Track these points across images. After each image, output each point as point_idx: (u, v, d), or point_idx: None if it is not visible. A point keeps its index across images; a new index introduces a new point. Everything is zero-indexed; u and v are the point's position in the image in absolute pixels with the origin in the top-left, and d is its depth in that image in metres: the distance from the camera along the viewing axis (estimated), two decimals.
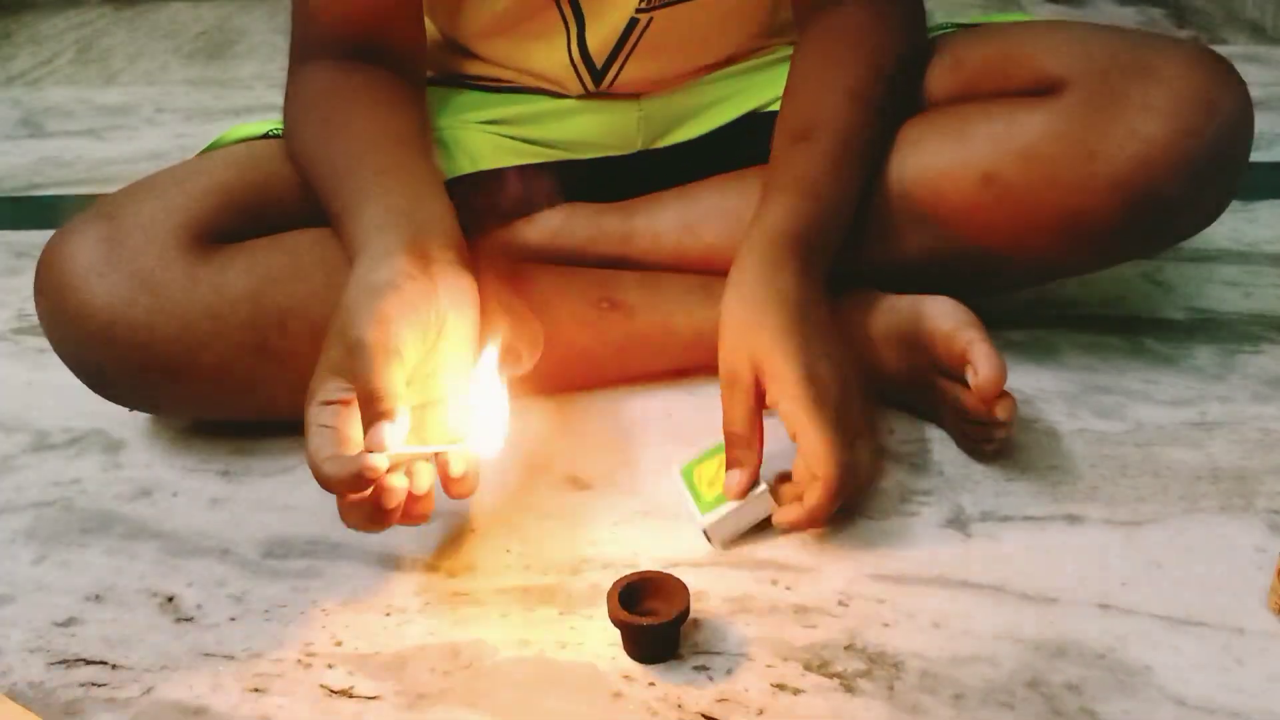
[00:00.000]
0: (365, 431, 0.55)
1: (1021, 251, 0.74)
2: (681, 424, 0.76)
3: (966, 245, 0.74)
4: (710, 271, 0.81)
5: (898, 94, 0.76)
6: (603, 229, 0.83)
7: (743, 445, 0.63)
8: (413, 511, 0.59)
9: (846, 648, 0.57)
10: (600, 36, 0.79)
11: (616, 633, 0.58)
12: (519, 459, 0.72)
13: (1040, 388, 0.78)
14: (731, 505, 0.62)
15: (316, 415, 0.57)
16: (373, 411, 0.55)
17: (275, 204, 0.73)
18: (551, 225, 0.83)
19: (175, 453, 0.76)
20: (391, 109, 0.74)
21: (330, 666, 0.58)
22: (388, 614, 0.61)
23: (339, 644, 0.59)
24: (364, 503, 0.57)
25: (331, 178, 0.70)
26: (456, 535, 0.67)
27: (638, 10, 0.77)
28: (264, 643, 0.59)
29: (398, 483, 0.57)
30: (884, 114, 0.74)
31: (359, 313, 0.59)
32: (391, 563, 0.65)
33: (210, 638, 0.60)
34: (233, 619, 0.61)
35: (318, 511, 0.69)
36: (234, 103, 1.52)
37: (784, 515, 0.62)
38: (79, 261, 0.68)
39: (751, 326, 0.63)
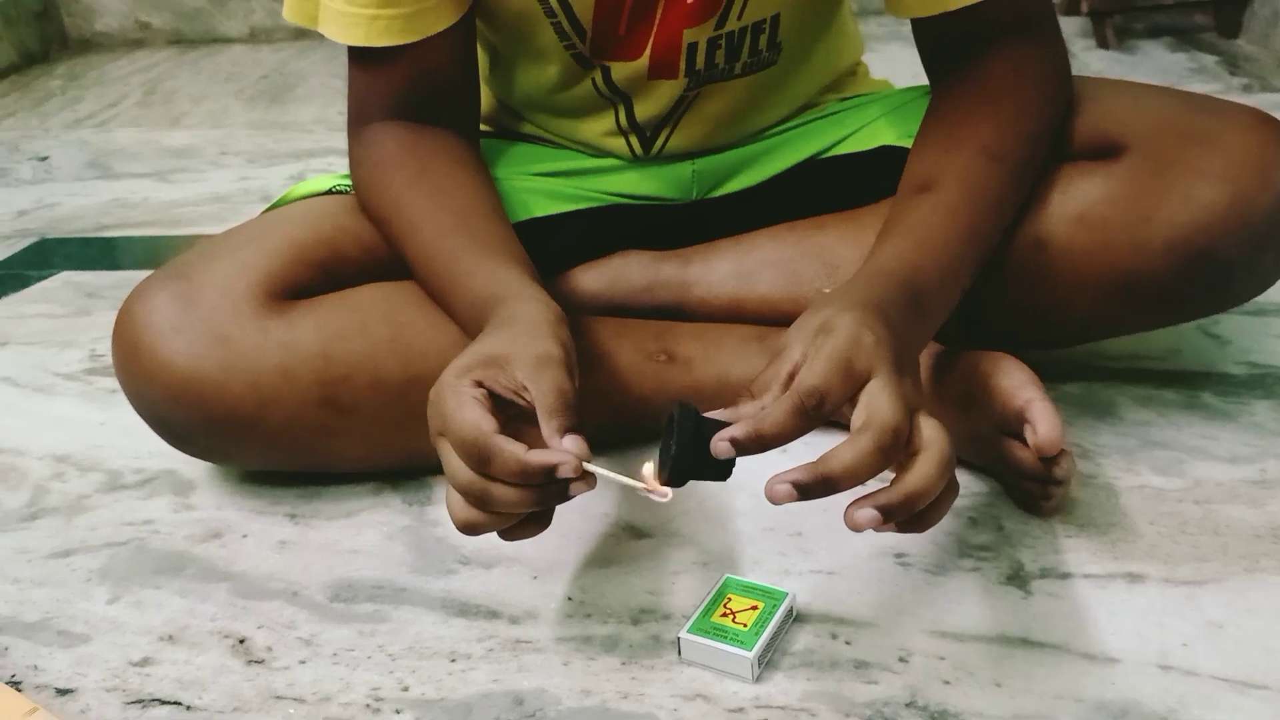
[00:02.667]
0: (549, 434, 0.55)
1: (1076, 312, 0.75)
2: (740, 476, 0.76)
3: (1022, 305, 0.75)
4: (766, 322, 0.82)
5: (1041, 155, 0.71)
6: (659, 277, 0.84)
7: (755, 397, 0.56)
8: (533, 529, 0.58)
9: (908, 705, 0.57)
10: (649, 110, 0.80)
11: (680, 684, 0.59)
12: (576, 506, 0.73)
13: (1097, 443, 0.78)
14: (769, 633, 0.60)
15: (469, 390, 0.56)
16: (564, 419, 0.55)
17: (342, 259, 0.76)
18: (607, 273, 0.85)
19: (244, 495, 0.78)
20: (476, 173, 0.77)
21: (398, 712, 0.59)
22: (453, 660, 0.62)
23: (405, 689, 0.60)
24: (502, 497, 0.54)
25: (437, 237, 0.72)
26: (517, 581, 0.68)
27: (686, 89, 0.79)
28: (333, 686, 0.61)
29: (589, 484, 0.55)
30: (1022, 176, 0.70)
31: (543, 330, 0.60)
32: (455, 608, 0.66)
33: (280, 680, 0.61)
34: (302, 662, 0.63)
35: (383, 556, 0.71)
36: (295, 146, 1.57)
37: (886, 496, 0.51)
38: (154, 319, 0.70)
39: (838, 314, 0.57)
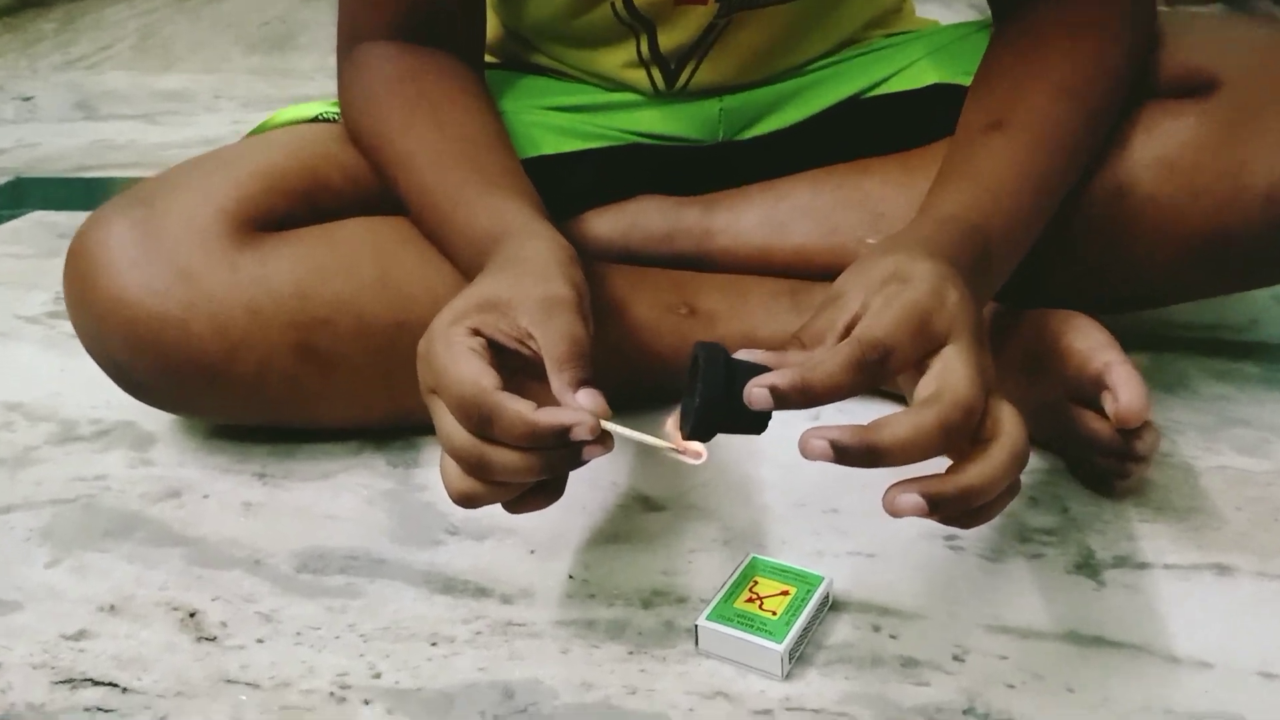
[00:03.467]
0: (560, 388, 0.47)
1: (1155, 270, 0.66)
2: (767, 442, 0.67)
3: (1093, 261, 0.66)
4: (798, 276, 0.73)
5: (1123, 92, 0.63)
6: (680, 224, 0.76)
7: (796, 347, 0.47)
8: (543, 499, 0.50)
9: (965, 712, 0.49)
10: (674, 40, 0.71)
11: (696, 679, 0.50)
12: (583, 476, 0.64)
13: (1171, 419, 0.69)
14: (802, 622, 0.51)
15: (464, 339, 0.48)
16: (578, 370, 0.47)
17: (325, 189, 0.67)
18: (623, 219, 0.76)
19: (209, 451, 0.70)
20: (479, 99, 0.68)
21: (367, 702, 0.50)
22: (433, 644, 0.54)
23: (377, 675, 0.52)
24: (506, 464, 0.46)
25: (434, 168, 0.63)
26: (512, 555, 0.59)
27: (716, 16, 0.69)
28: (293, 670, 0.52)
29: (606, 445, 0.46)
30: (1102, 116, 0.62)
31: (551, 270, 0.52)
32: (439, 583, 0.57)
33: (234, 661, 0.53)
34: (260, 640, 0.54)
35: (361, 522, 0.62)
36: (294, 92, 1.48)
37: (938, 485, 0.43)
38: (111, 250, 0.62)
39: (913, 262, 0.48)
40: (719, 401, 0.44)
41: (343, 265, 0.63)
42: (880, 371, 0.44)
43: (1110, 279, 0.67)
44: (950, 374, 0.44)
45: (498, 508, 0.50)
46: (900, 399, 0.69)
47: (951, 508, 0.43)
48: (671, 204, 0.76)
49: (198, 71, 1.58)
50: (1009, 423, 0.45)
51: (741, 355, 0.46)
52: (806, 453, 0.43)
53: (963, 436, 0.44)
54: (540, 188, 0.65)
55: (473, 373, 0.47)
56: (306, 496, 0.65)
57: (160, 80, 1.54)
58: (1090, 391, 0.58)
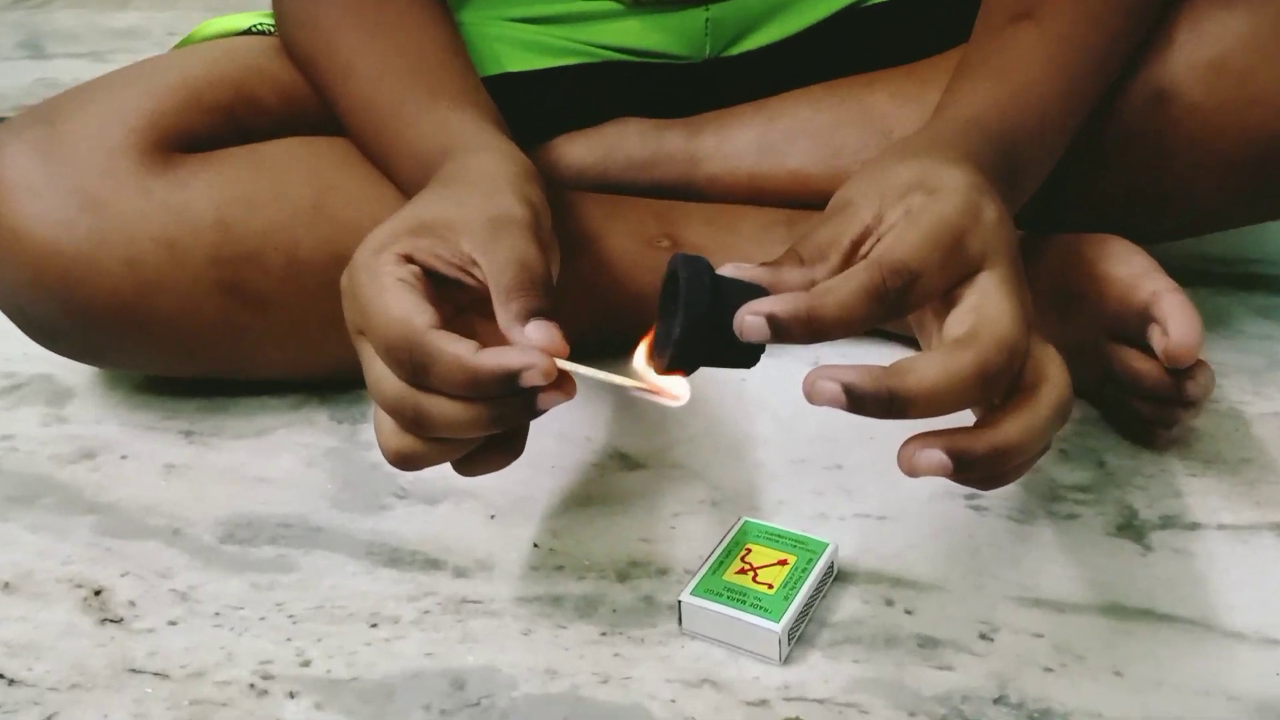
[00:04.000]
0: (508, 321, 0.39)
1: (1197, 192, 0.58)
2: (761, 390, 0.60)
3: (1126, 181, 0.58)
4: (795, 204, 0.65)
5: None
6: (662, 149, 0.68)
7: (792, 263, 0.39)
8: (500, 457, 0.42)
9: (996, 700, 0.41)
10: None
11: (680, 664, 0.43)
12: (551, 428, 0.57)
13: (1216, 360, 0.61)
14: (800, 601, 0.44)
15: (394, 268, 0.40)
16: (529, 300, 0.39)
17: (253, 106, 0.59)
18: (599, 145, 0.68)
19: (132, 407, 0.62)
20: (431, 6, 0.59)
21: (292, 695, 0.43)
22: (374, 625, 0.46)
23: (306, 664, 0.44)
24: (446, 417, 0.38)
25: (378, 80, 0.55)
26: (469, 522, 0.52)
27: None
28: (208, 657, 0.45)
29: (566, 390, 0.39)
30: (1142, 8, 0.54)
31: (500, 185, 0.44)
32: (384, 554, 0.50)
33: (140, 647, 0.45)
34: (173, 623, 0.47)
35: (298, 486, 0.55)
36: None
37: (967, 441, 0.35)
38: (6, 176, 0.54)
39: (942, 168, 0.40)
40: (703, 328, 0.36)
41: (272, 191, 0.55)
42: (901, 302, 0.36)
43: (1144, 202, 0.59)
44: (989, 307, 0.36)
45: (450, 470, 0.42)
46: (908, 341, 0.62)
47: (982, 468, 0.36)
48: (652, 127, 0.68)
49: (152, 9, 1.48)
50: (1053, 367, 0.38)
51: (728, 271, 0.38)
52: (813, 396, 0.35)
53: (1003, 384, 0.36)
54: (504, 110, 0.56)
55: (403, 310, 0.39)
56: (237, 457, 0.57)
57: (113, 19, 1.44)
58: (1134, 326, 0.51)
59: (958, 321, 0.37)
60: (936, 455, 0.35)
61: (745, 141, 0.67)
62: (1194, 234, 0.66)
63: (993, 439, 0.36)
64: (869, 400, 0.34)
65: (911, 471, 0.36)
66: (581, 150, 0.68)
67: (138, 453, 0.58)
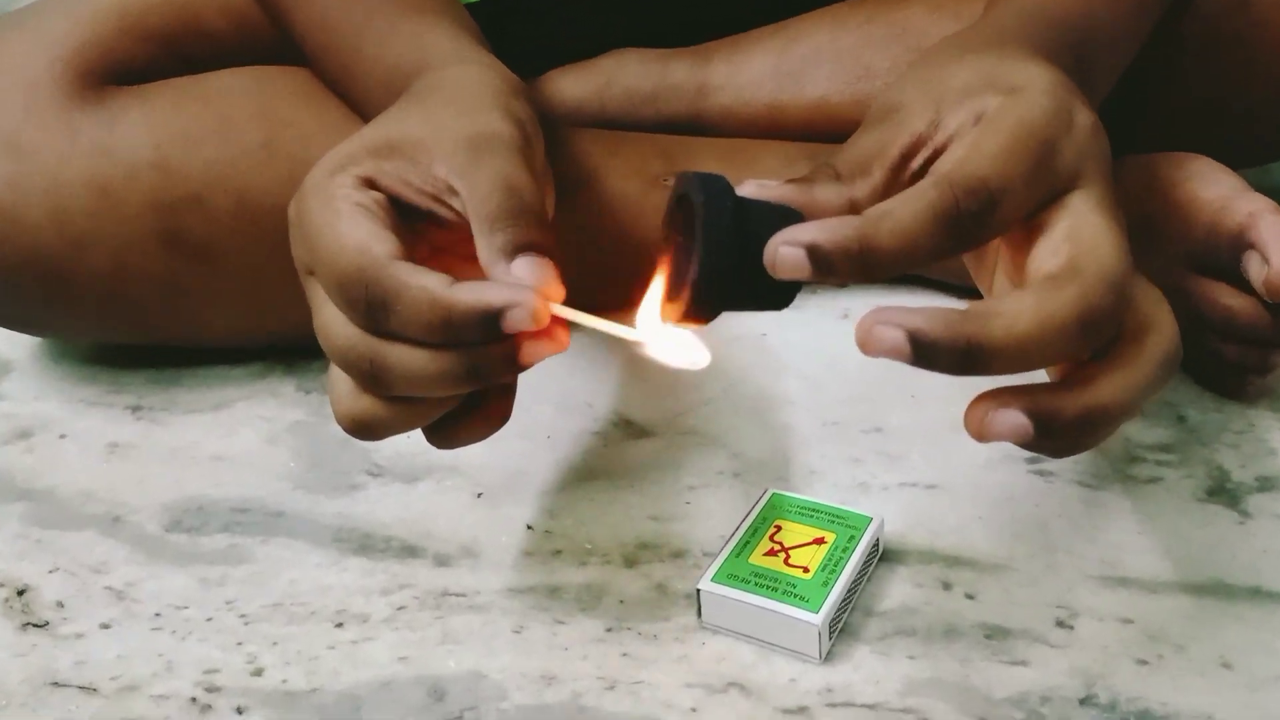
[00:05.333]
0: (492, 257, 0.32)
1: (1276, 108, 0.51)
2: (783, 344, 0.53)
3: (1209, 90, 0.51)
4: (817, 137, 0.58)
5: None
6: (666, 81, 0.60)
7: (828, 179, 0.32)
8: (481, 424, 0.35)
9: (1084, 701, 0.34)
10: None
11: (700, 664, 0.36)
12: (547, 393, 0.50)
13: None
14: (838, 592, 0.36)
15: (351, 192, 0.33)
16: (517, 231, 0.32)
17: (199, 33, 0.52)
18: (597, 77, 0.61)
19: (75, 380, 0.55)
20: None
21: (240, 711, 0.36)
22: (339, 625, 0.39)
23: (258, 672, 0.37)
24: (410, 369, 0.31)
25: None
26: (452, 502, 0.45)
27: None
28: (145, 667, 0.38)
29: (558, 338, 0.32)
30: None
31: (483, 100, 0.37)
32: (354, 541, 0.43)
33: (66, 656, 0.39)
34: (106, 626, 0.40)
35: (258, 465, 0.48)
36: None
37: (1054, 400, 0.29)
38: None
39: (1018, 65, 0.33)
40: (727, 263, 0.29)
41: (217, 126, 0.48)
42: (977, 229, 0.29)
43: (1227, 118, 0.52)
44: (1088, 234, 0.29)
45: (426, 443, 0.35)
46: (955, 290, 0.54)
47: (1069, 435, 0.29)
48: (656, 57, 0.61)
49: None
50: (1159, 311, 0.31)
51: (749, 190, 0.31)
52: (868, 345, 0.28)
53: (1109, 332, 0.29)
54: (493, 40, 0.49)
55: (358, 237, 0.32)
56: (190, 433, 0.50)
57: None
58: (1225, 256, 0.43)
59: (1050, 252, 0.30)
60: (1016, 418, 0.28)
61: (761, 68, 0.59)
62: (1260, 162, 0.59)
63: (1087, 399, 0.29)
64: (942, 351, 0.27)
65: (982, 436, 0.29)
66: (577, 84, 0.61)
67: (79, 431, 0.51)
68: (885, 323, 0.27)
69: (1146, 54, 0.44)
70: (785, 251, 0.28)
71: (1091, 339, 0.28)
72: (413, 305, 0.30)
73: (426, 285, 0.30)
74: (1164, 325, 0.30)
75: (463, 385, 0.32)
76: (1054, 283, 0.28)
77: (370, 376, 0.32)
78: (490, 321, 0.30)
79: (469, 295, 0.30)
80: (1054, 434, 0.29)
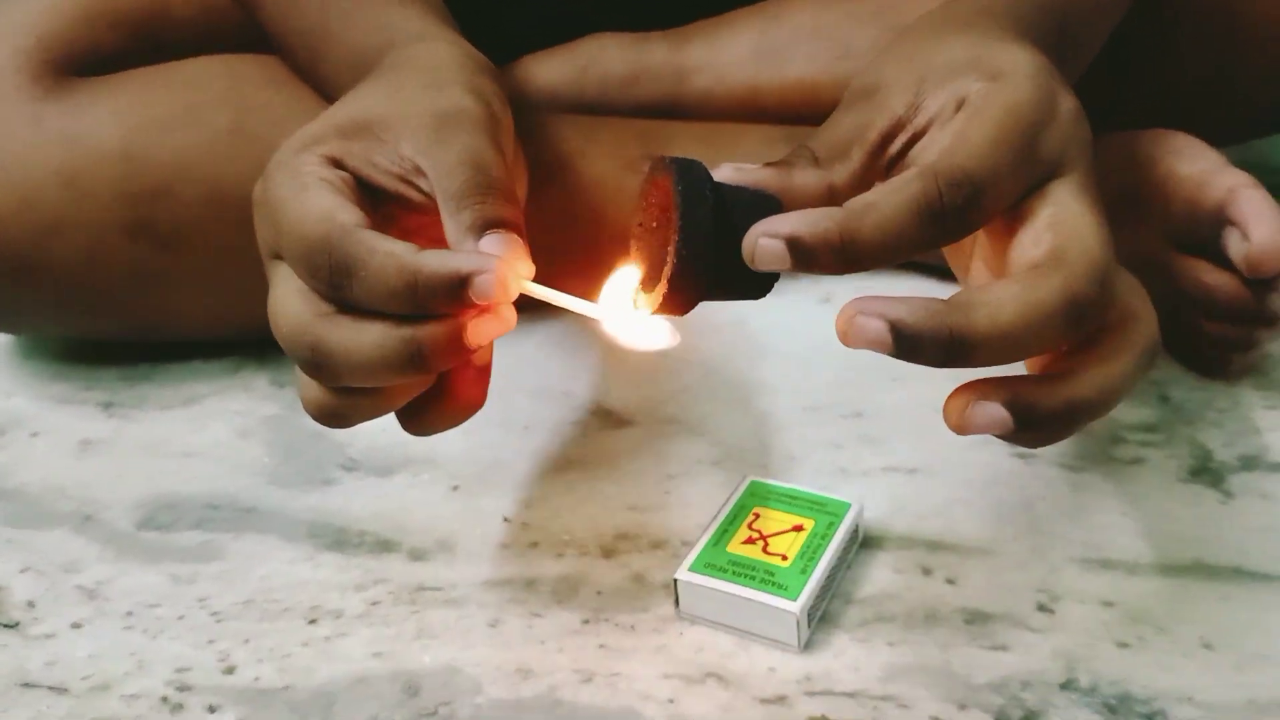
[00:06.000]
0: (459, 235, 0.31)
1: (1272, 81, 0.50)
2: (763, 328, 0.52)
3: (1196, 67, 0.50)
4: (798, 118, 0.57)
5: None
6: (644, 64, 0.59)
7: (805, 162, 0.32)
8: (453, 409, 0.34)
9: (1064, 686, 0.34)
10: None
11: (678, 654, 0.36)
12: (524, 382, 0.49)
13: None
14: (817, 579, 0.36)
15: (317, 169, 0.33)
16: (486, 208, 0.31)
17: (166, 19, 0.51)
18: (574, 62, 0.60)
19: (48, 377, 0.54)
20: None
21: (212, 710, 0.35)
22: (312, 621, 0.39)
23: (230, 670, 0.37)
24: (372, 345, 0.30)
25: None
26: (427, 494, 0.44)
27: None
28: (116, 666, 0.37)
29: (504, 316, 0.31)
30: None
31: (450, 75, 0.37)
32: (327, 536, 0.42)
33: (37, 656, 0.38)
34: (76, 626, 0.39)
35: (230, 460, 0.47)
36: None
37: (1035, 393, 0.28)
38: None
39: (1002, 48, 0.32)
40: (705, 257, 0.28)
41: (185, 114, 0.47)
42: (961, 221, 0.29)
43: (1213, 95, 0.51)
44: (1071, 223, 0.29)
45: (404, 433, 0.34)
46: (931, 270, 0.54)
47: (1051, 427, 0.29)
48: (633, 40, 0.60)
49: None
50: (1139, 301, 0.31)
51: (726, 174, 0.30)
52: (849, 336, 0.27)
53: (1093, 322, 0.28)
54: (462, 27, 0.48)
55: (324, 205, 0.31)
56: (162, 429, 0.50)
57: None
58: (1206, 231, 0.43)
59: (1032, 241, 0.29)
60: (996, 411, 0.28)
61: (740, 49, 0.58)
62: (1267, 133, 0.58)
63: (1068, 392, 0.28)
64: (925, 342, 0.27)
65: (962, 428, 0.28)
66: (552, 70, 0.60)
67: (50, 428, 0.50)
68: (867, 313, 0.27)
69: (1133, 31, 0.44)
70: (765, 244, 0.28)
71: (1076, 329, 0.28)
72: (378, 271, 0.30)
73: (394, 251, 0.30)
74: (1144, 317, 0.30)
75: (407, 371, 0.31)
76: (1038, 272, 0.28)
77: (313, 364, 0.32)
78: (457, 288, 0.29)
79: (437, 261, 0.29)
80: (1034, 426, 0.28)
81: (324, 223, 0.31)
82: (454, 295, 0.29)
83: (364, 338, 0.30)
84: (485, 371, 0.35)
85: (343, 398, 0.32)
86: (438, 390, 0.34)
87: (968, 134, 0.29)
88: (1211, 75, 0.50)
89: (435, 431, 0.35)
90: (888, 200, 0.28)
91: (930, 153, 0.30)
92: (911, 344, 0.27)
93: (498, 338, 0.31)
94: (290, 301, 0.31)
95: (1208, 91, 0.51)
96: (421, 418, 0.34)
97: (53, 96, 0.47)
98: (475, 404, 0.35)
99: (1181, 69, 0.50)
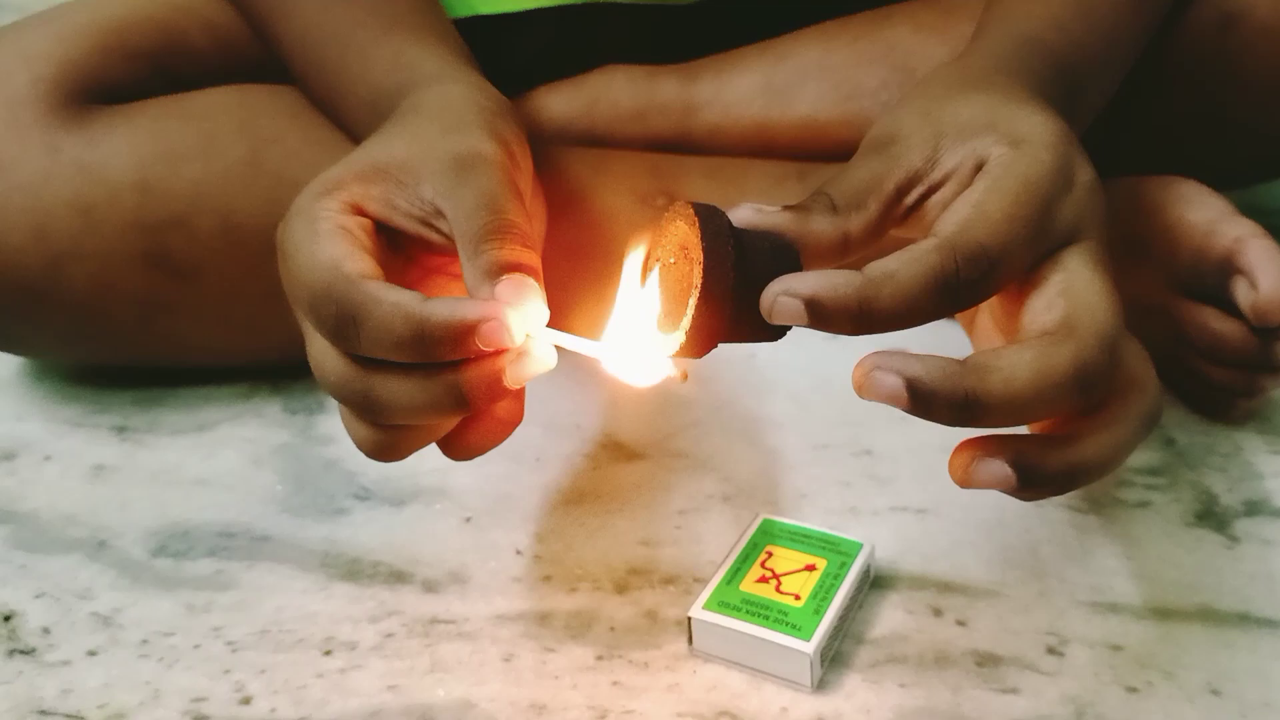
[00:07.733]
0: (476, 279, 0.31)
1: (1264, 127, 0.51)
2: (772, 365, 0.53)
3: (1194, 109, 0.51)
4: (805, 155, 0.58)
5: None
6: (654, 98, 0.60)
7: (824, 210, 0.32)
8: (491, 429, 0.34)
9: None
10: None
11: (691, 693, 0.36)
12: (536, 415, 0.49)
13: None
14: (831, 619, 0.36)
15: (335, 216, 0.33)
16: (502, 252, 0.32)
17: (182, 50, 0.52)
18: (584, 94, 0.61)
19: (60, 400, 0.54)
20: None
21: None
22: (327, 652, 0.39)
23: (246, 700, 0.37)
24: (388, 397, 0.31)
25: (323, 10, 0.47)
26: (440, 526, 0.44)
27: None
28: (131, 694, 0.38)
29: (541, 357, 0.32)
30: None
31: (468, 119, 0.37)
32: (341, 567, 0.43)
33: (52, 683, 0.38)
34: (92, 653, 0.39)
35: (243, 488, 0.47)
36: None
37: (1040, 454, 0.29)
38: None
39: (1025, 111, 0.33)
40: (725, 310, 0.29)
41: (201, 145, 0.48)
42: (974, 293, 0.29)
43: (1212, 137, 0.52)
44: (1082, 292, 0.30)
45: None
46: None
47: (1051, 486, 0.29)
48: (643, 74, 0.61)
49: None
50: (1143, 367, 0.31)
51: (745, 214, 0.31)
52: (865, 389, 0.28)
53: (1100, 391, 0.29)
54: (477, 57, 0.49)
55: (332, 254, 0.32)
56: (175, 455, 0.50)
57: None
58: (1212, 278, 0.44)
59: (1044, 307, 0.30)
60: (1001, 468, 0.29)
61: (749, 86, 0.59)
62: (1267, 178, 0.59)
63: (1071, 454, 0.29)
64: (940, 402, 0.27)
65: (966, 483, 0.29)
66: (563, 102, 0.60)
67: (62, 453, 0.51)
68: (884, 369, 0.28)
69: (1134, 75, 0.45)
70: (784, 301, 0.28)
71: (1084, 397, 0.28)
72: (384, 321, 0.30)
73: (400, 301, 0.30)
74: (1147, 384, 0.31)
75: (453, 412, 0.32)
76: (1050, 339, 0.28)
77: (364, 409, 0.32)
78: (464, 337, 0.30)
79: (445, 310, 0.30)
80: (1036, 485, 0.29)
81: (329, 272, 0.31)
82: (462, 343, 0.30)
83: (411, 386, 0.30)
84: (520, 391, 0.35)
85: (392, 434, 0.33)
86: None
87: (986, 208, 0.30)
88: (1209, 117, 0.51)
89: (478, 453, 0.35)
90: (906, 271, 0.29)
91: (949, 221, 0.30)
92: (926, 402, 0.27)
93: (537, 377, 0.31)
94: (331, 353, 0.32)
95: (1205, 137, 0.51)
96: (463, 442, 0.35)
97: (69, 126, 0.47)
98: (514, 420, 0.35)
99: (1178, 111, 0.51)
